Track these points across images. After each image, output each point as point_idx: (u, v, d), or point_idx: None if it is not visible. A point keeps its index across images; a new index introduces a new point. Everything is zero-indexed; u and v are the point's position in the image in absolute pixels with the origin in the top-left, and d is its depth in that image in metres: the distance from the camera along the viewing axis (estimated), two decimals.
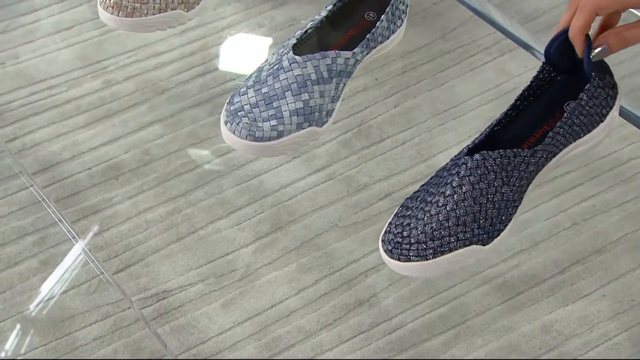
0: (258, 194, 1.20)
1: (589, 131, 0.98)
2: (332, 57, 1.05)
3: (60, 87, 1.33)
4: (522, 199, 0.95)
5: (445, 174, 0.95)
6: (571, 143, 0.97)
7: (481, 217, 0.92)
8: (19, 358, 1.07)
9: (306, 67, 1.03)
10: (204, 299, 1.11)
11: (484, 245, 0.93)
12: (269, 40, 1.40)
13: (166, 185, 1.21)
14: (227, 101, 1.04)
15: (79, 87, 1.33)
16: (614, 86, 0.98)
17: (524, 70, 1.33)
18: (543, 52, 0.96)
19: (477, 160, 0.92)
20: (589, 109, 0.96)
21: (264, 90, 1.03)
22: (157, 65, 1.36)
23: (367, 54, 1.10)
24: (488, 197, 0.92)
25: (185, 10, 1.19)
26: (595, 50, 0.91)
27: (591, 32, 0.91)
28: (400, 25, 1.14)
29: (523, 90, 0.99)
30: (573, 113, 0.96)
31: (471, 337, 1.07)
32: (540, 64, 0.99)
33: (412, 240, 0.92)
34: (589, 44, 0.91)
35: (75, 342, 1.08)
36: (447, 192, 0.92)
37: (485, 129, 0.97)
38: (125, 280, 1.12)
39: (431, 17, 1.41)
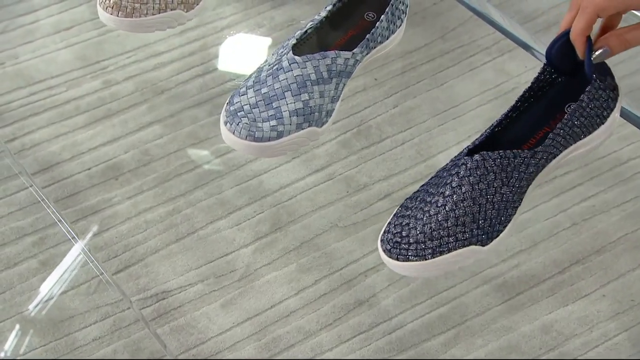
0: (258, 194, 1.20)
1: (590, 133, 0.98)
2: (331, 58, 1.05)
3: (60, 88, 1.33)
4: (521, 200, 0.95)
5: (444, 174, 0.95)
6: (571, 145, 0.97)
7: (480, 218, 0.92)
8: (19, 358, 1.07)
9: (306, 68, 1.03)
10: (203, 299, 1.11)
11: (482, 245, 0.93)
12: (268, 41, 1.39)
13: (166, 186, 1.21)
14: (227, 101, 1.04)
15: (79, 88, 1.33)
16: (614, 88, 0.98)
17: (523, 70, 1.33)
18: (542, 52, 0.96)
19: (476, 160, 0.92)
20: (589, 110, 0.96)
21: (263, 90, 1.03)
22: (156, 66, 1.36)
23: (367, 54, 1.10)
24: (487, 198, 0.92)
25: (185, 10, 1.19)
26: (597, 52, 0.91)
27: (592, 34, 0.91)
28: (400, 25, 1.14)
29: (524, 91, 0.99)
30: (574, 115, 0.96)
31: (471, 337, 1.07)
32: (540, 64, 0.99)
33: (411, 240, 0.92)
34: (590, 45, 0.91)
35: (74, 342, 1.07)
36: (447, 193, 0.92)
37: (485, 130, 0.97)
38: (124, 281, 1.12)
39: (431, 17, 1.41)
